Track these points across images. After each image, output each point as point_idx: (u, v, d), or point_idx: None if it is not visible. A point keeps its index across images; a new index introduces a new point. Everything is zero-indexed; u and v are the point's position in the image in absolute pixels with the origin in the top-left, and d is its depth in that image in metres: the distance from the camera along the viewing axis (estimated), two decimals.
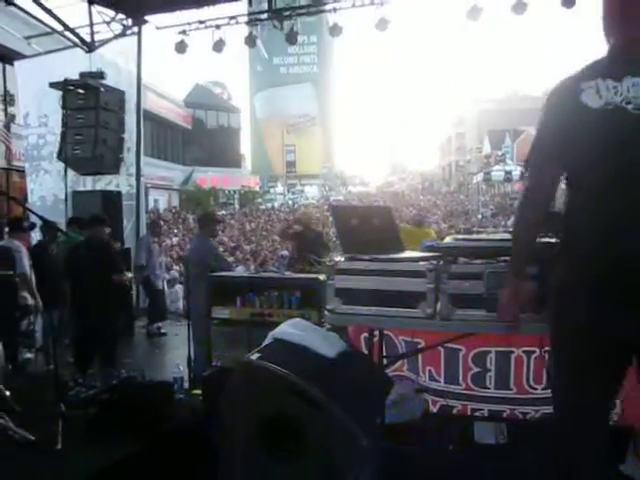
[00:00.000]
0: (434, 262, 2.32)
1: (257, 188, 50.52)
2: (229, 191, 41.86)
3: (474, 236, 2.80)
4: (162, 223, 10.45)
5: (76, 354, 5.19)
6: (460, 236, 2.75)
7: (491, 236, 2.80)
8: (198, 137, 42.23)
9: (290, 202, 44.13)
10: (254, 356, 2.12)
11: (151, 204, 26.47)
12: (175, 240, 18.12)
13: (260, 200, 44.84)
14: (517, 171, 24.79)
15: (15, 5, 7.36)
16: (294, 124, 61.61)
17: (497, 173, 26.36)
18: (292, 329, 2.29)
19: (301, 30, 9.37)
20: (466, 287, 2.25)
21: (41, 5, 7.88)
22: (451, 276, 2.27)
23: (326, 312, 2.38)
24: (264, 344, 2.29)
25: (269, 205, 41.32)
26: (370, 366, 2.46)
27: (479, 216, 26.94)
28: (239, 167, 50.33)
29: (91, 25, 8.68)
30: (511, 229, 2.28)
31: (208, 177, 39.92)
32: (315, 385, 1.92)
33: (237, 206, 38.95)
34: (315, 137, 64.13)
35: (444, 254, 2.38)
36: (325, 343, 2.25)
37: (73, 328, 5.37)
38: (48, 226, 5.31)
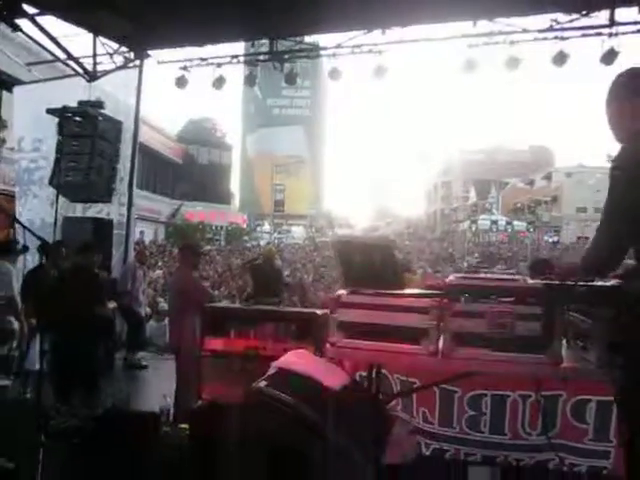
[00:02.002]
0: (438, 299, 2.33)
1: (244, 225, 50.61)
2: (216, 227, 41.88)
3: (477, 275, 2.83)
4: (148, 254, 10.40)
5: (56, 382, 5.04)
6: (463, 274, 2.77)
7: (494, 276, 2.82)
8: (189, 172, 42.54)
9: (276, 241, 44.18)
10: (261, 384, 2.08)
11: (137, 235, 26.33)
12: (160, 273, 17.96)
13: (246, 238, 44.87)
14: (503, 221, 25.24)
15: (22, 31, 7.47)
16: (284, 164, 62.37)
17: (483, 222, 26.89)
18: (296, 359, 2.27)
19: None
20: (469, 325, 2.26)
21: (47, 33, 8.00)
22: (454, 314, 2.27)
23: (327, 345, 2.36)
24: (268, 373, 2.25)
25: (255, 243, 41.32)
26: (373, 401, 2.43)
27: (465, 263, 27.20)
28: (228, 204, 50.60)
29: (94, 56, 8.82)
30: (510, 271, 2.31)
31: (196, 212, 40.02)
32: (321, 415, 1.89)
33: (223, 242, 38.87)
34: (304, 178, 64.92)
35: (447, 292, 2.38)
36: (329, 375, 2.22)
37: (53, 356, 5.22)
38: (50, 250, 5.24)
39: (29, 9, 7.51)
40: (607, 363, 2.09)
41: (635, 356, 1.98)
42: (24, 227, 3.69)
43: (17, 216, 9.52)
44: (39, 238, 3.47)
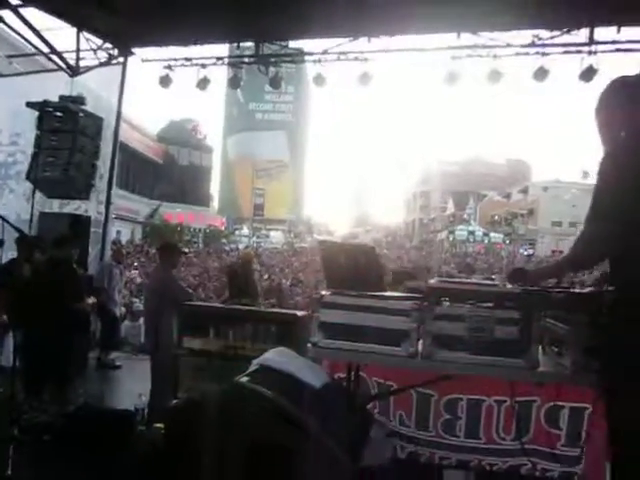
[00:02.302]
0: (418, 302, 2.36)
1: (223, 228, 50.34)
2: (194, 229, 41.59)
3: (457, 279, 2.87)
4: (125, 253, 10.28)
5: (27, 378, 4.94)
6: (444, 279, 2.81)
7: (474, 281, 2.87)
8: (168, 172, 42.19)
9: (255, 245, 44.02)
10: (243, 379, 2.08)
11: (113, 235, 26.02)
12: (136, 273, 17.76)
13: (225, 241, 44.61)
14: (480, 232, 25.56)
15: (4, 23, 7.35)
16: (265, 169, 62.31)
17: (461, 232, 27.20)
18: (278, 357, 2.27)
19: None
20: (449, 328, 2.29)
21: (30, 25, 7.89)
22: (435, 317, 2.30)
23: (309, 345, 2.37)
24: (250, 370, 2.25)
25: (233, 246, 41.10)
26: (352, 402, 2.44)
27: (441, 274, 27.44)
28: (207, 206, 50.29)
29: (77, 50, 8.72)
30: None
31: (175, 213, 39.70)
32: (301, 411, 1.90)
33: (201, 245, 38.60)
34: (285, 183, 64.87)
35: (428, 295, 2.42)
36: (310, 373, 2.24)
37: (26, 351, 5.12)
38: (26, 242, 5.14)
39: (12, 0, 7.40)
40: (583, 367, 2.14)
41: (611, 360, 2.03)
42: (2, 219, 3.62)
43: None
44: (17, 230, 3.41)
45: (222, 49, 9.99)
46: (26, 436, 3.34)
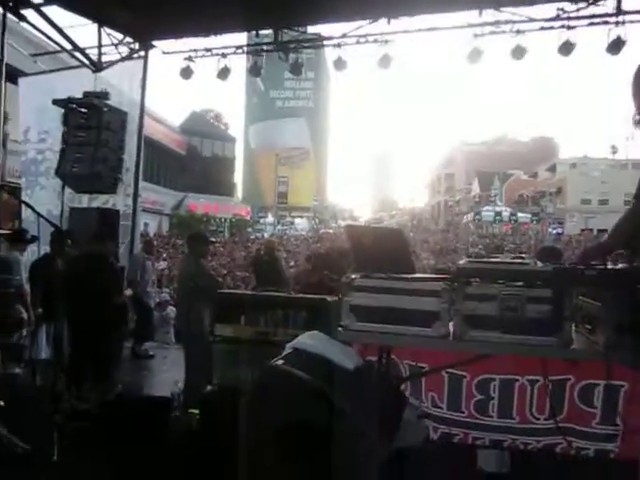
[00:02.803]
0: (449, 283, 2.36)
1: (248, 217, 50.67)
2: (220, 219, 41.95)
3: (485, 259, 2.85)
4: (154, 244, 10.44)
5: (70, 368, 5.10)
6: (474, 259, 2.80)
7: (503, 260, 2.85)
8: (192, 164, 42.53)
9: (280, 233, 44.22)
10: (278, 362, 2.13)
11: (141, 227, 26.44)
12: (164, 264, 18.04)
13: (250, 230, 44.92)
14: (507, 212, 25.18)
15: (27, 22, 7.49)
16: (287, 156, 62.29)
17: (487, 213, 26.81)
18: (311, 340, 2.31)
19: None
20: (480, 308, 2.28)
21: (52, 23, 8.01)
22: (466, 297, 2.30)
23: (339, 328, 2.39)
24: (284, 353, 2.29)
25: (259, 235, 41.36)
26: (387, 382, 2.47)
27: (469, 254, 27.18)
28: (231, 196, 50.61)
29: (99, 46, 8.84)
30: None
31: (200, 204, 40.06)
32: (336, 392, 1.93)
33: (227, 234, 38.93)
34: (308, 170, 64.87)
35: (458, 276, 2.41)
36: (343, 356, 2.26)
37: (68, 342, 5.28)
38: (60, 237, 5.28)
39: None
40: (616, 345, 2.12)
41: None
42: (39, 215, 3.72)
43: (23, 207, 9.57)
44: (53, 225, 3.51)
45: (241, 38, 10.02)
46: (69, 423, 3.46)
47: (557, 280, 2.23)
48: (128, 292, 5.95)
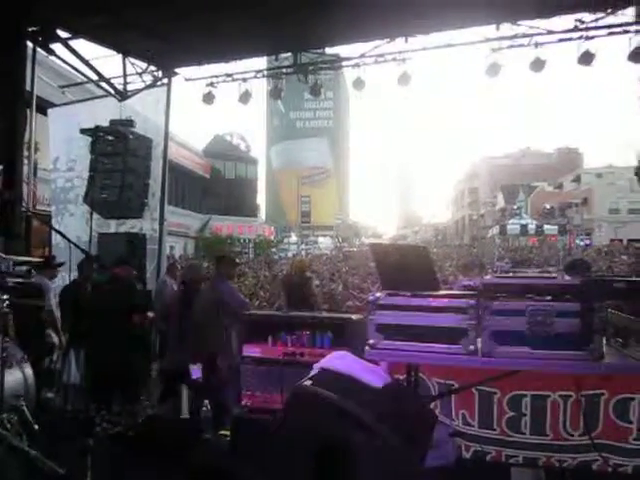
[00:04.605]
0: (475, 299, 2.35)
1: (272, 237, 50.94)
2: (244, 239, 42.24)
3: (512, 275, 2.83)
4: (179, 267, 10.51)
5: (98, 391, 5.17)
6: (500, 274, 2.79)
7: (530, 274, 2.83)
8: (216, 186, 43.07)
9: (304, 252, 44.26)
10: (306, 382, 2.14)
11: (167, 250, 26.79)
12: None
13: (274, 250, 45.07)
14: (533, 225, 24.84)
15: (56, 55, 7.76)
16: (309, 175, 62.76)
17: (513, 226, 26.46)
18: (338, 360, 2.31)
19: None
20: (508, 324, 2.27)
21: (79, 56, 8.28)
22: (493, 312, 2.29)
23: (366, 347, 2.40)
24: (312, 374, 2.30)
25: (283, 255, 41.44)
26: (416, 400, 2.45)
27: (495, 269, 26.80)
28: (255, 216, 51.02)
29: (124, 75, 9.08)
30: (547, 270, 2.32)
31: (224, 225, 40.47)
32: (365, 411, 1.93)
33: (251, 255, 39.13)
34: (329, 189, 65.22)
35: (484, 292, 2.40)
36: (371, 374, 2.26)
37: (95, 365, 5.36)
38: (89, 260, 5.41)
39: (62, 33, 7.79)
40: None
41: None
42: (69, 241, 3.82)
43: (53, 234, 9.80)
44: (82, 250, 3.60)
45: (261, 62, 10.21)
46: (101, 447, 3.51)
47: (586, 293, 2.21)
48: (150, 314, 6.01)
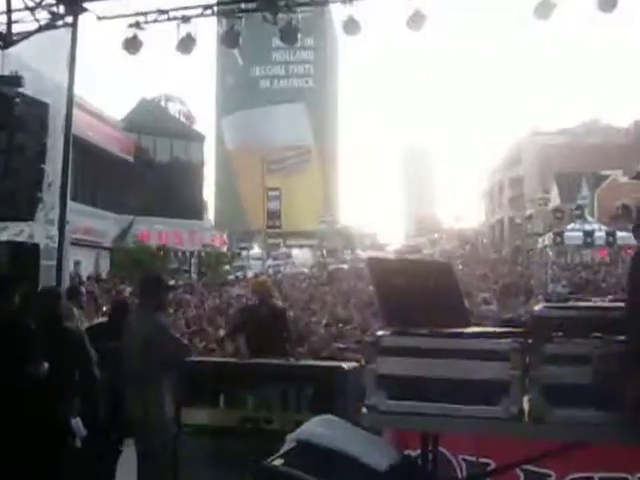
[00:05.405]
0: (520, 339, 2.37)
1: (224, 249, 50.84)
2: (183, 252, 42.11)
3: (573, 304, 2.87)
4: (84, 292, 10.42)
5: None
6: (556, 303, 2.81)
7: (597, 304, 2.87)
8: (142, 174, 42.87)
9: (271, 271, 44.27)
10: (276, 462, 2.13)
11: (70, 267, 26.59)
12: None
13: (228, 267, 45.02)
14: (601, 232, 25.09)
15: None
16: (280, 159, 62.85)
17: (572, 234, 26.56)
18: (322, 429, 2.31)
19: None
20: (567, 375, 2.29)
21: None
22: (546, 359, 2.31)
23: (364, 410, 2.41)
24: (285, 449, 2.30)
25: (240, 275, 41.42)
26: None
27: (548, 295, 27.05)
28: (200, 219, 50.90)
29: (9, 12, 9.03)
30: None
31: (154, 231, 40.29)
32: None
33: (194, 275, 39.04)
34: (309, 178, 65.33)
35: (533, 329, 2.43)
36: (370, 450, 2.27)
37: None
38: None
39: None
40: None
41: None
42: None
43: None
44: None
45: None
46: None
47: None
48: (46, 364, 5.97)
